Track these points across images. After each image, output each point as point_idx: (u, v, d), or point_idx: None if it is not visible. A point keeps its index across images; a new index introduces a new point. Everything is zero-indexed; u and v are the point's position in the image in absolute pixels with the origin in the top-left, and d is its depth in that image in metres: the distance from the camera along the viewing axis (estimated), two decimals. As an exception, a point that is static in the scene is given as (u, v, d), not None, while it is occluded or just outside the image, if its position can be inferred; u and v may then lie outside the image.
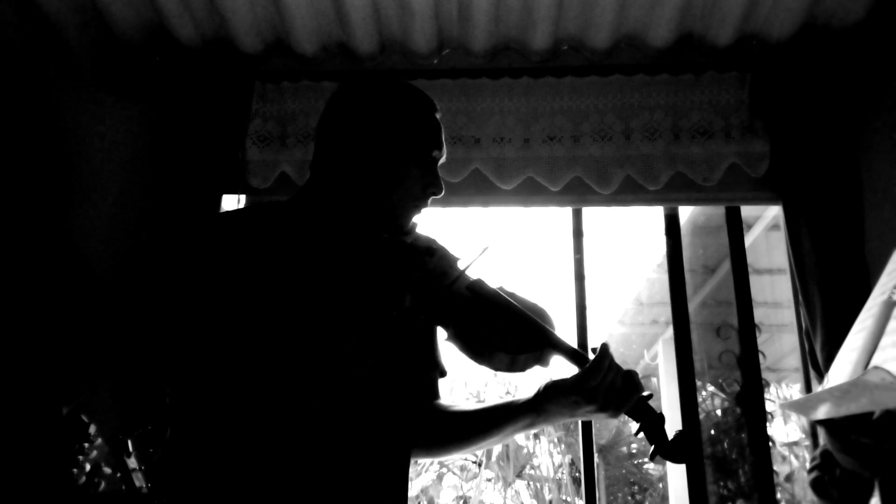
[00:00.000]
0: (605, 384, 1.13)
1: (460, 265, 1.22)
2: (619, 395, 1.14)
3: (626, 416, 1.17)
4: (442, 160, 1.29)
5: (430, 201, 1.26)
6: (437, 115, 1.28)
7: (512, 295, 1.21)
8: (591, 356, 1.17)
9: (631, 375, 1.15)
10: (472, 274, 1.16)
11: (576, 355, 1.17)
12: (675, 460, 1.14)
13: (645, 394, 1.16)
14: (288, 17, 2.34)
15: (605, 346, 1.16)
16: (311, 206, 1.25)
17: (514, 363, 1.15)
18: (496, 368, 1.16)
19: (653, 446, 1.14)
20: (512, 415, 1.23)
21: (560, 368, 1.20)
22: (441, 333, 1.21)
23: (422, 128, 1.24)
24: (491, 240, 1.18)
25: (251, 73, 2.43)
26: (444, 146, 1.28)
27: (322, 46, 2.49)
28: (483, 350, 1.14)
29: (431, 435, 1.29)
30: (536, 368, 1.18)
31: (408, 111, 1.24)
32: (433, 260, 1.19)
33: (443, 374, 1.35)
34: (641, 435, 1.15)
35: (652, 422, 1.15)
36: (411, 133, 1.23)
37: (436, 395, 1.35)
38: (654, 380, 7.70)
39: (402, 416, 1.19)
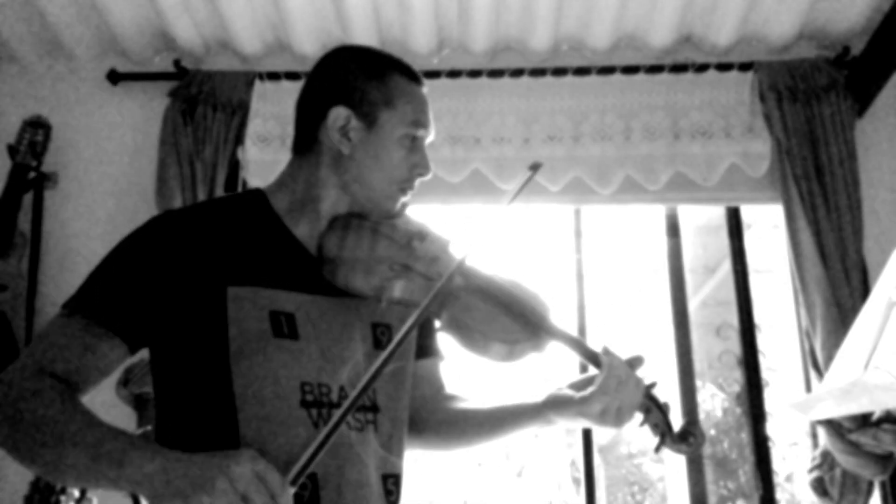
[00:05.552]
0: (614, 404, 1.04)
1: (452, 249, 1.12)
2: (631, 407, 1.05)
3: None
4: (429, 139, 1.18)
5: (417, 182, 1.16)
6: (424, 90, 1.18)
7: (507, 281, 1.14)
8: (593, 348, 1.09)
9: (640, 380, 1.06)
10: (466, 260, 1.06)
11: (574, 342, 1.11)
12: (684, 453, 1.07)
13: (648, 382, 1.07)
14: (288, 17, 2.34)
15: (609, 358, 1.06)
16: (292, 193, 1.16)
17: (512, 353, 1.08)
18: (493, 359, 1.08)
19: (657, 438, 1.06)
20: (522, 421, 1.17)
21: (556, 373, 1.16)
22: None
23: (407, 104, 1.14)
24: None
25: (251, 73, 2.43)
26: (432, 123, 1.18)
27: (322, 46, 2.48)
28: (479, 341, 1.07)
29: (438, 431, 1.24)
30: (533, 356, 1.11)
31: (391, 87, 1.14)
32: (423, 245, 1.09)
33: (441, 359, 1.29)
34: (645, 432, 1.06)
35: (658, 412, 1.06)
36: (395, 110, 1.13)
37: (440, 384, 1.28)
38: (654, 380, 7.68)
39: (400, 412, 1.15)
